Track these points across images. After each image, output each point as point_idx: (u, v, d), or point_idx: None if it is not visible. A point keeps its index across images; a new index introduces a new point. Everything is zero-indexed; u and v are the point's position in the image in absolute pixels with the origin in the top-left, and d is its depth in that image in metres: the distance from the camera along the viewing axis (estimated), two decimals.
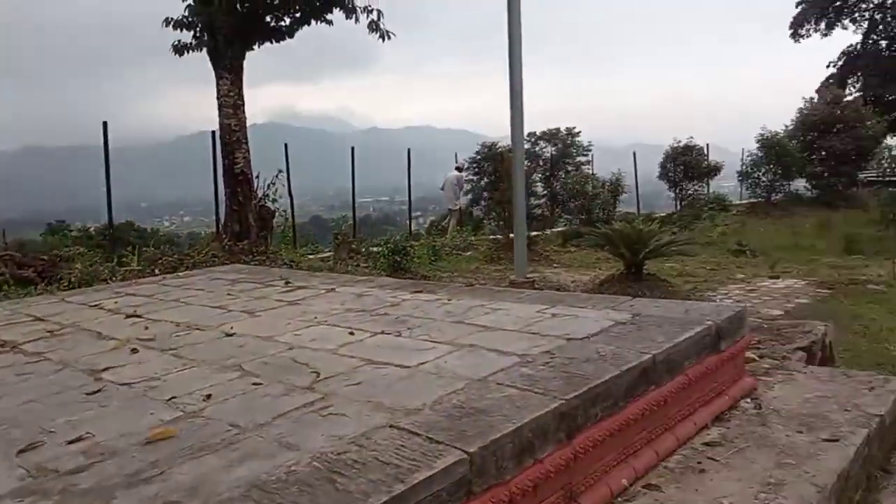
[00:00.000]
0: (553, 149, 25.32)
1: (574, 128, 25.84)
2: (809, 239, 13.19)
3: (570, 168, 24.28)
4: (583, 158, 25.05)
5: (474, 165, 23.19)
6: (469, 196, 23.51)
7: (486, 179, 23.30)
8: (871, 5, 29.91)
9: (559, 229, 16.56)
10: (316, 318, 3.95)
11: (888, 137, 23.97)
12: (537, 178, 25.94)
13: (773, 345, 4.31)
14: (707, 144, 19.99)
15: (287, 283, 5.34)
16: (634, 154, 20.75)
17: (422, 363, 2.86)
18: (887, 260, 9.89)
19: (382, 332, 3.47)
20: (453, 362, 2.86)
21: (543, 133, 25.73)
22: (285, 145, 12.86)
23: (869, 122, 19.42)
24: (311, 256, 10.60)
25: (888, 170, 21.63)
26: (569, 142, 25.64)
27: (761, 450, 2.81)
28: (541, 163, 25.31)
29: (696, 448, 2.87)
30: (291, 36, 8.66)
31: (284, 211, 12.84)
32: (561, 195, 18.85)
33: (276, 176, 9.19)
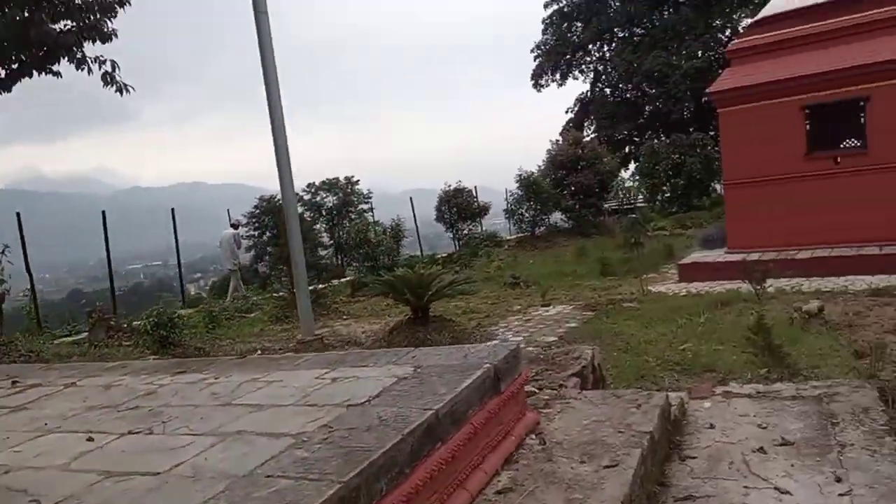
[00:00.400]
0: (334, 198, 25.34)
1: (353, 176, 26.10)
2: (571, 266, 14.53)
3: (353, 216, 24.42)
4: (365, 206, 25.40)
5: (254, 220, 22.30)
6: (252, 252, 22.46)
7: (268, 234, 22.50)
8: (595, 59, 34.74)
9: (348, 279, 16.37)
10: (47, 424, 3.25)
11: (622, 171, 27.71)
12: (322, 229, 25.70)
13: (551, 374, 4.48)
14: (475, 186, 21.38)
15: (14, 382, 4.41)
16: (411, 199, 21.47)
17: (176, 465, 2.42)
18: (635, 278, 11.18)
19: (130, 432, 2.91)
20: (216, 457, 2.45)
21: (323, 183, 25.66)
22: (17, 214, 11.09)
23: (606, 159, 22.28)
24: (58, 342, 9.12)
25: (624, 200, 24.94)
26: (349, 190, 25.84)
27: (550, 488, 2.79)
28: (323, 212, 25.15)
29: (489, 499, 2.78)
30: (8, 90, 7.48)
31: (26, 291, 11.05)
32: (347, 244, 18.74)
33: (2, 252, 7.78)
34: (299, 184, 26.78)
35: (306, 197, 25.10)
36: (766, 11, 12.06)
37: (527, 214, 21.10)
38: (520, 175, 21.06)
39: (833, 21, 10.61)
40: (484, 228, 21.55)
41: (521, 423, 3.36)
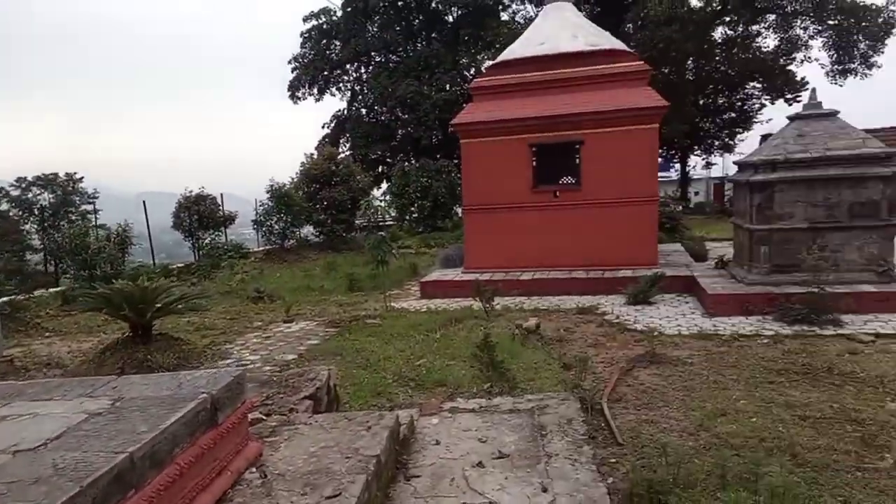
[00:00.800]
0: (51, 196, 21.98)
1: (75, 173, 23.02)
2: (319, 280, 14.33)
3: (73, 218, 21.39)
4: (88, 207, 22.42)
5: None
6: None
7: None
8: (352, 78, 35.28)
9: (60, 289, 14.15)
10: None
11: (375, 189, 28.38)
12: (32, 230, 22.06)
13: (283, 397, 4.23)
14: (221, 194, 20.13)
15: None
16: (144, 203, 19.45)
17: None
18: (381, 294, 11.37)
19: None
20: None
21: (38, 178, 22.21)
22: None
23: (359, 177, 22.60)
24: None
25: (372, 217, 25.53)
26: (70, 188, 22.64)
27: None
28: (36, 212, 21.67)
29: None
30: None
31: None
32: (62, 249, 16.23)
33: None
34: (7, 178, 22.80)
35: (14, 193, 21.52)
36: (503, 56, 13.26)
37: (277, 226, 20.44)
38: (271, 185, 20.36)
39: (557, 72, 12.05)
40: (230, 239, 20.36)
41: (240, 456, 3.07)
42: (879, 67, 26.65)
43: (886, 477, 3.58)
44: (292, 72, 33.93)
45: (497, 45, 27.47)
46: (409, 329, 8.31)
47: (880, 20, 25.14)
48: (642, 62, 12.28)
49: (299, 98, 34.14)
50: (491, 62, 15.43)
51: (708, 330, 7.55)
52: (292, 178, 21.59)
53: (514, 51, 13.06)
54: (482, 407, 4.38)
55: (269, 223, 20.22)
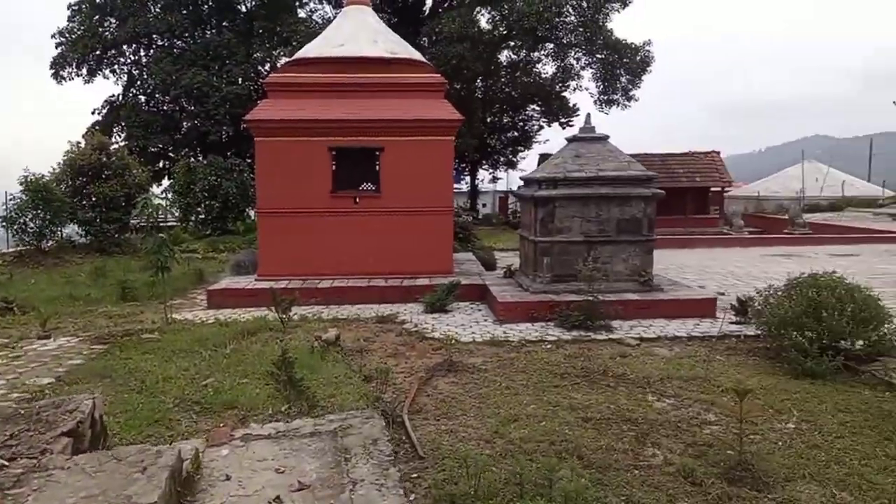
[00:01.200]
0: None
1: None
2: (85, 288, 12.58)
3: None
4: None
5: None
6: None
7: None
8: (130, 61, 31.86)
9: None
10: None
11: (155, 186, 25.88)
12: None
13: (33, 436, 3.52)
14: None
15: None
16: None
17: None
18: (160, 305, 10.28)
19: None
20: None
21: None
22: None
23: (136, 171, 20.38)
24: None
25: (150, 217, 23.25)
26: None
27: None
28: None
29: None
30: None
31: None
32: None
33: None
34: None
35: None
36: (301, 53, 12.80)
37: (32, 224, 17.65)
38: (26, 177, 17.54)
39: (359, 76, 11.88)
40: None
41: None
42: (637, 101, 30.56)
43: (660, 474, 3.94)
44: (56, 48, 29.77)
45: (294, 43, 26.65)
46: (194, 344, 7.59)
47: (638, 58, 28.81)
48: (439, 75, 12.62)
49: (64, 78, 30.04)
50: (288, 59, 14.84)
51: (499, 337, 7.90)
52: (53, 169, 18.86)
53: (312, 49, 12.69)
54: (279, 432, 4.05)
55: (22, 220, 17.41)
